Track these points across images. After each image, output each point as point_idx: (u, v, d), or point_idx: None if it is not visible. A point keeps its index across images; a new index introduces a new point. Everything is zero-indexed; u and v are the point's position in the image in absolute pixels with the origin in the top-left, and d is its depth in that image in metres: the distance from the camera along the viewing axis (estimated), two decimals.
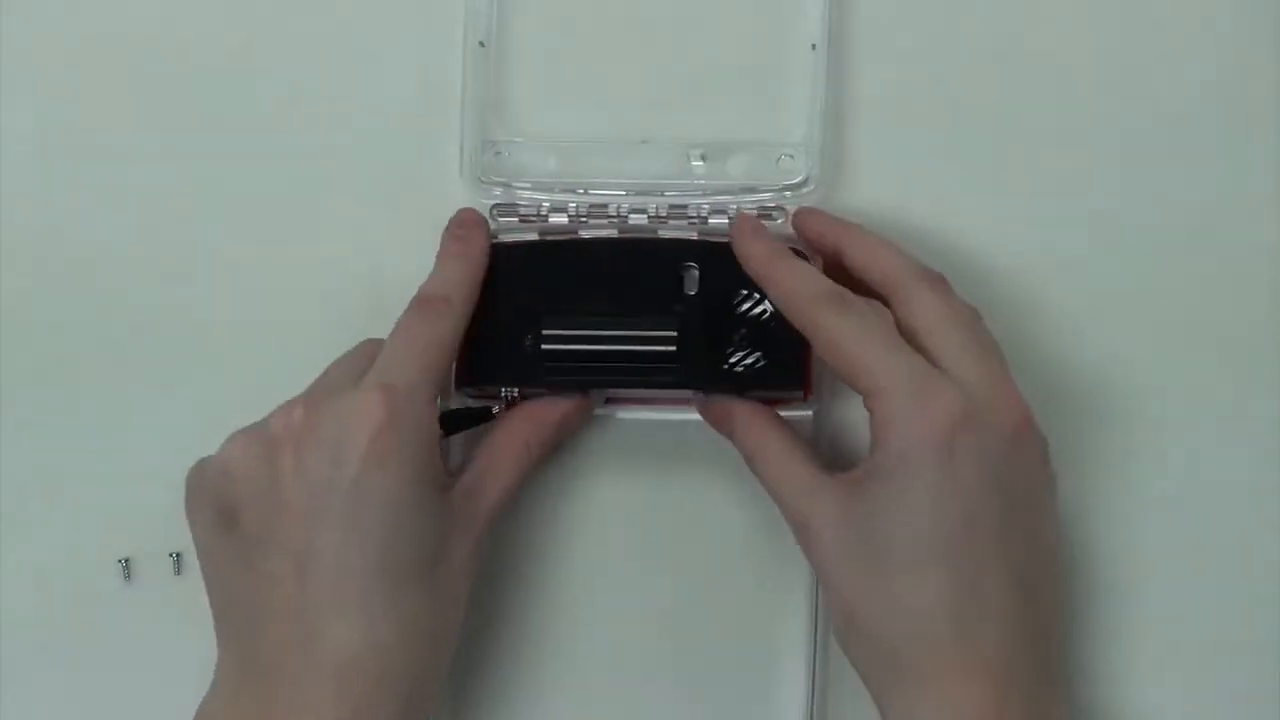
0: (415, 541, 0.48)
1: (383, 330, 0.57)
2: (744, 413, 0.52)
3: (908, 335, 0.50)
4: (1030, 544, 0.48)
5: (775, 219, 0.55)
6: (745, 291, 0.53)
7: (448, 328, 0.52)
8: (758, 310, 0.53)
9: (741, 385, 0.53)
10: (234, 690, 0.49)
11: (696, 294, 0.53)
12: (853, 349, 0.48)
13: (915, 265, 0.51)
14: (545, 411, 0.54)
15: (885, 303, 0.51)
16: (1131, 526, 0.56)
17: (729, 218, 0.55)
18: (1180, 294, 0.57)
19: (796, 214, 0.54)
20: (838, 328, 0.49)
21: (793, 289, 0.50)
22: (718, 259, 0.53)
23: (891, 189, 0.57)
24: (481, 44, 0.58)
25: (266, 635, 0.48)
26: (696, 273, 0.53)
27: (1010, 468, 0.48)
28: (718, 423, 0.54)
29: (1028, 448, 0.49)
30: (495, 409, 0.54)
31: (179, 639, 0.56)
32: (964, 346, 0.49)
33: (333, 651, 0.47)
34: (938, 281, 0.51)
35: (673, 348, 0.52)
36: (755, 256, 0.52)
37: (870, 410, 0.48)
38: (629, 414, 0.57)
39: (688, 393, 0.54)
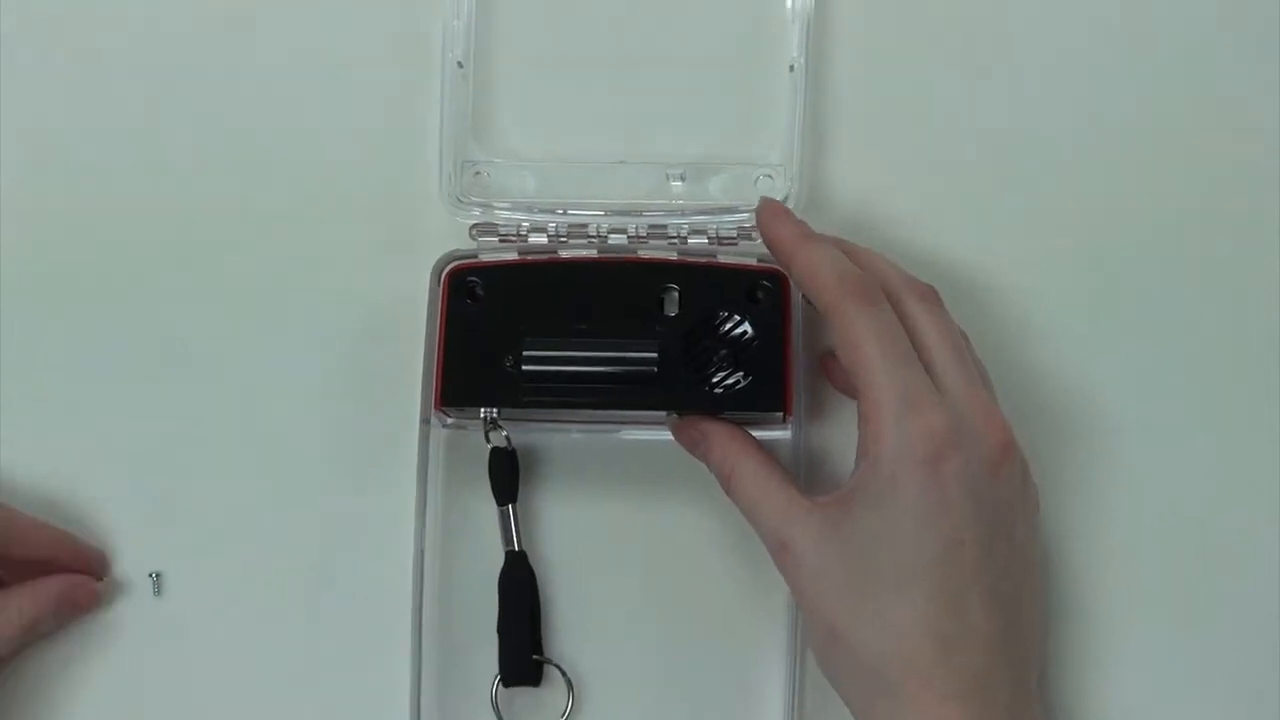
0: None
1: (361, 346, 0.57)
2: (719, 435, 0.52)
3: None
4: (1012, 566, 0.48)
5: (755, 239, 0.55)
6: (725, 313, 0.53)
7: None
8: (738, 331, 0.53)
9: (722, 406, 0.53)
10: None
11: (677, 315, 0.53)
12: (868, 349, 0.48)
13: (908, 276, 0.51)
14: (47, 588, 0.54)
15: None
16: (1111, 545, 0.56)
17: (709, 238, 0.55)
18: (1162, 312, 0.57)
19: (762, 209, 0.53)
20: (859, 322, 0.48)
21: (818, 273, 0.50)
22: (698, 280, 0.54)
23: (869, 208, 0.58)
24: (460, 65, 0.58)
25: None
26: (677, 294, 0.54)
27: (994, 490, 0.48)
28: (691, 446, 0.53)
29: (1011, 471, 0.49)
30: None
31: (158, 659, 0.56)
32: (952, 366, 0.49)
33: None
34: (929, 295, 0.51)
35: (653, 369, 0.52)
36: (781, 239, 0.51)
37: (863, 415, 0.48)
38: (608, 435, 0.57)
39: (665, 414, 0.54)
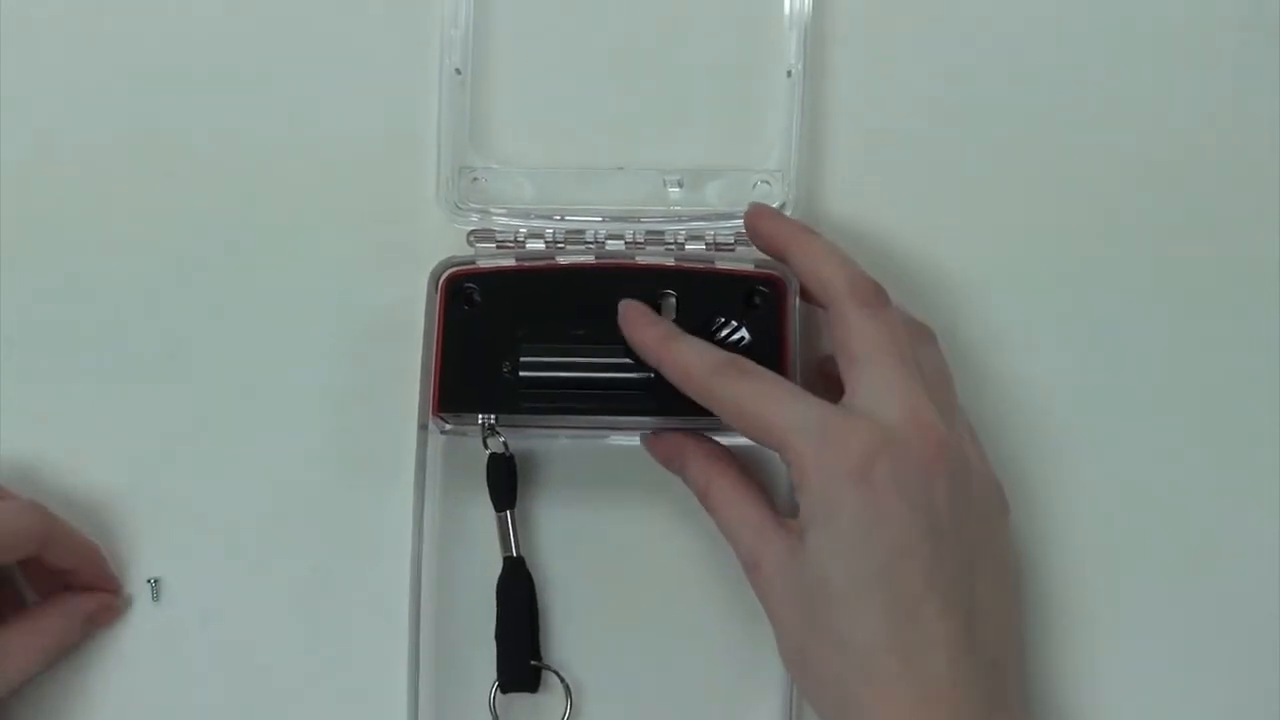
0: None
1: (359, 352, 0.57)
2: (696, 451, 0.52)
3: (839, 354, 0.50)
4: (968, 569, 0.48)
5: (751, 244, 0.55)
6: (722, 319, 0.53)
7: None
8: (735, 338, 0.53)
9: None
10: None
11: (674, 321, 0.53)
12: (754, 409, 0.48)
13: (852, 280, 0.50)
14: (75, 606, 0.55)
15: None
16: (1094, 547, 0.56)
17: (706, 244, 0.55)
18: (1157, 320, 0.57)
19: (748, 214, 0.54)
20: (735, 393, 0.49)
21: (686, 367, 0.50)
22: (695, 286, 0.54)
23: (866, 214, 0.58)
24: (458, 71, 0.58)
25: None
26: (674, 300, 0.54)
27: (934, 493, 0.47)
28: (667, 460, 0.53)
29: (952, 469, 0.48)
30: None
31: (156, 665, 0.56)
32: (886, 373, 0.48)
33: None
34: (873, 299, 0.50)
35: (650, 374, 0.52)
36: (647, 344, 0.51)
37: (786, 464, 0.48)
38: (605, 441, 0.57)
39: (664, 420, 0.54)
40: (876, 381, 0.48)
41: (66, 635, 0.55)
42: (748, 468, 0.52)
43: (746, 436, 0.49)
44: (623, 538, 0.56)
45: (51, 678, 0.56)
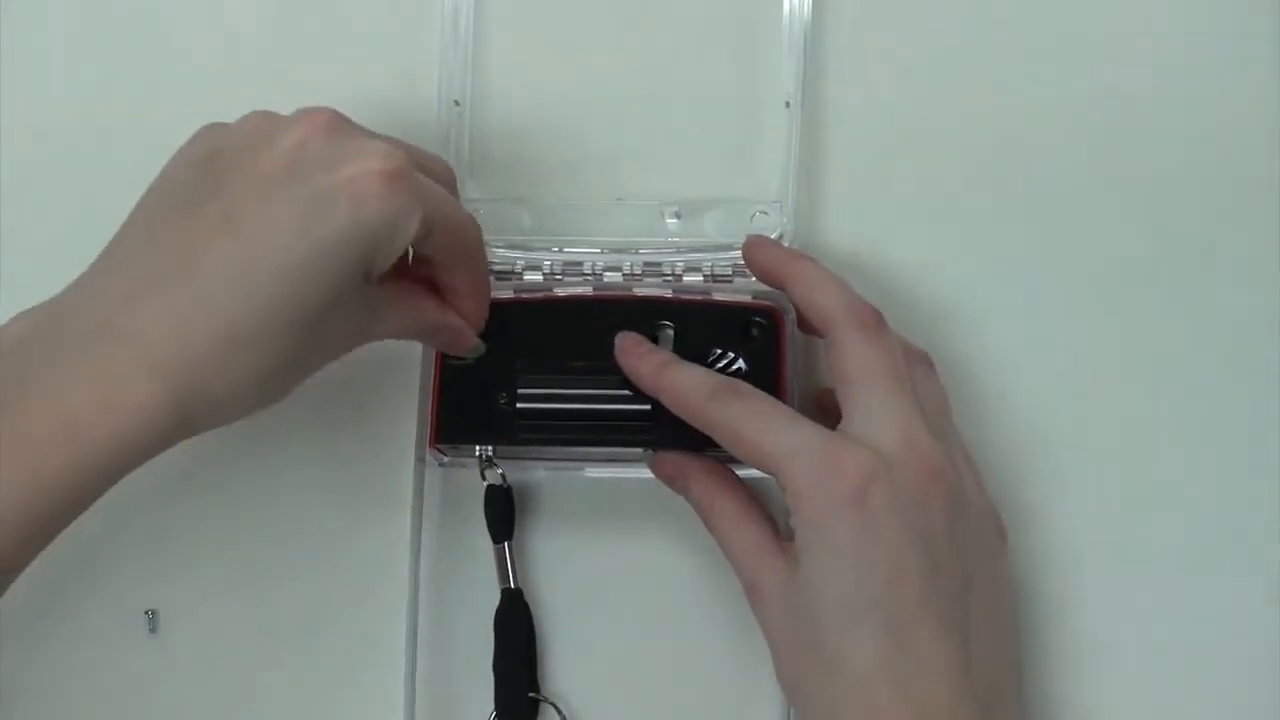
0: (320, 290, 0.46)
1: (358, 382, 0.57)
2: (700, 470, 0.52)
3: (836, 379, 0.50)
4: (964, 593, 0.48)
5: (749, 276, 0.55)
6: (720, 350, 0.53)
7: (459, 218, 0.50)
8: (733, 368, 0.53)
9: (717, 444, 0.52)
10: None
11: (672, 352, 0.53)
12: (750, 433, 0.48)
13: (849, 305, 0.50)
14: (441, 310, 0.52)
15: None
16: (1082, 574, 0.56)
17: (704, 275, 0.55)
18: (1154, 345, 0.58)
19: (745, 245, 0.54)
20: (731, 417, 0.49)
21: (684, 393, 0.50)
22: (693, 318, 0.54)
23: (865, 245, 0.58)
24: (456, 103, 0.58)
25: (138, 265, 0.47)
26: (672, 331, 0.54)
27: (930, 518, 0.47)
28: (670, 480, 0.53)
29: (947, 495, 0.48)
30: None
31: (152, 697, 0.56)
32: (883, 398, 0.48)
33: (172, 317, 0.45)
34: (870, 323, 0.50)
35: (648, 406, 0.52)
36: (644, 374, 0.52)
37: (782, 487, 0.48)
38: (603, 472, 0.56)
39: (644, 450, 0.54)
40: (873, 406, 0.48)
41: (433, 318, 0.52)
42: (751, 490, 0.52)
43: (743, 460, 0.49)
44: (621, 570, 0.56)
45: (45, 710, 0.56)
